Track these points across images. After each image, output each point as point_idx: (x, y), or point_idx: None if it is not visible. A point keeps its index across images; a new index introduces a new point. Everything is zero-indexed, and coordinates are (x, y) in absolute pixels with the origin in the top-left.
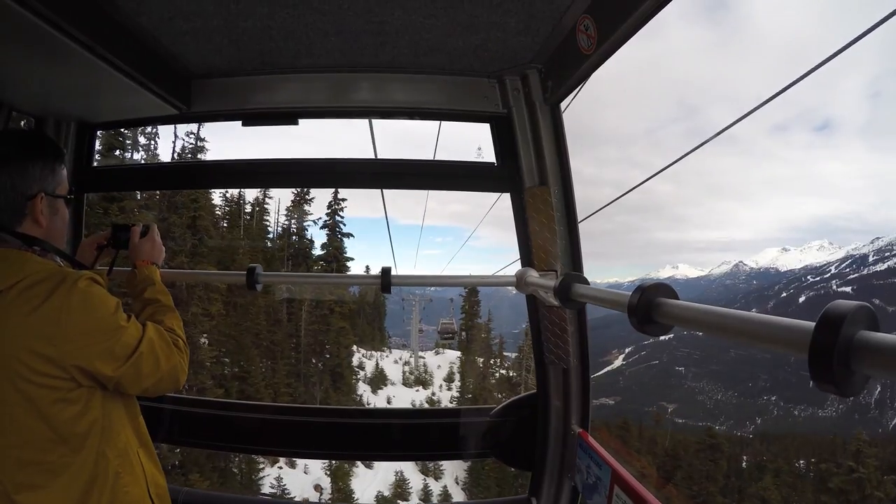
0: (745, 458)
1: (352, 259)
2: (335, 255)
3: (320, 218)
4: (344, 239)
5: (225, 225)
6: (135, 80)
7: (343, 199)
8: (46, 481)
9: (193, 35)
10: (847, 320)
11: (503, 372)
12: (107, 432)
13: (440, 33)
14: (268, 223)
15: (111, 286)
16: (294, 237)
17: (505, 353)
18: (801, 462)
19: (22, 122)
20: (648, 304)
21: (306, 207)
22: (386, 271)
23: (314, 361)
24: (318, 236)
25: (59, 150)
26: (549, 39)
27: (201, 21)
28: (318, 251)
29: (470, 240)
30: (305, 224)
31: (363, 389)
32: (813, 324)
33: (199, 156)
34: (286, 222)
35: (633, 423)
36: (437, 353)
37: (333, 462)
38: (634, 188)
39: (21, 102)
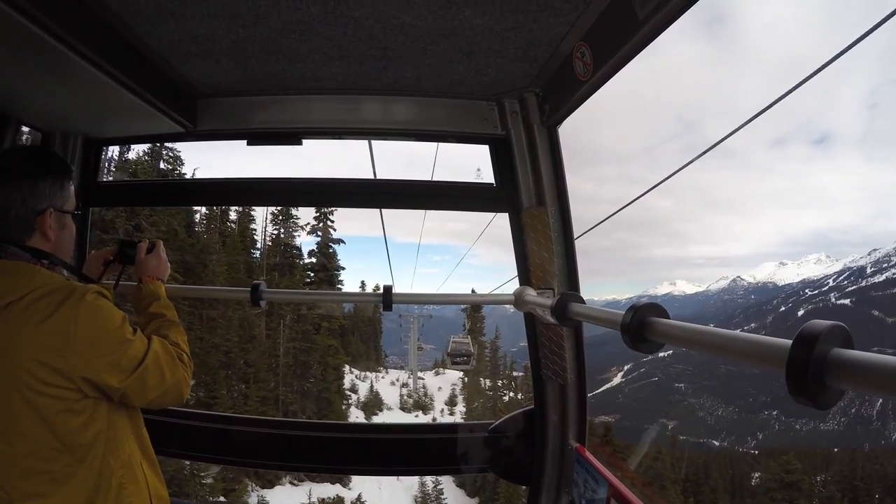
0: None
1: (343, 268)
2: (324, 264)
3: (308, 223)
4: (334, 246)
5: (203, 230)
6: (142, 98)
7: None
8: (51, 490)
9: (202, 57)
10: (821, 338)
11: (511, 395)
12: (111, 443)
13: (441, 59)
14: (254, 230)
15: (117, 300)
16: (281, 245)
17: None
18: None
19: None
20: (641, 322)
21: (293, 211)
22: (387, 289)
23: (295, 385)
24: (307, 245)
25: (68, 167)
26: (547, 65)
27: (210, 44)
28: (305, 261)
29: (469, 258)
30: (294, 232)
31: (355, 415)
32: (790, 341)
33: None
34: (274, 231)
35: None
36: (437, 373)
37: None
38: (629, 204)
39: (29, 116)
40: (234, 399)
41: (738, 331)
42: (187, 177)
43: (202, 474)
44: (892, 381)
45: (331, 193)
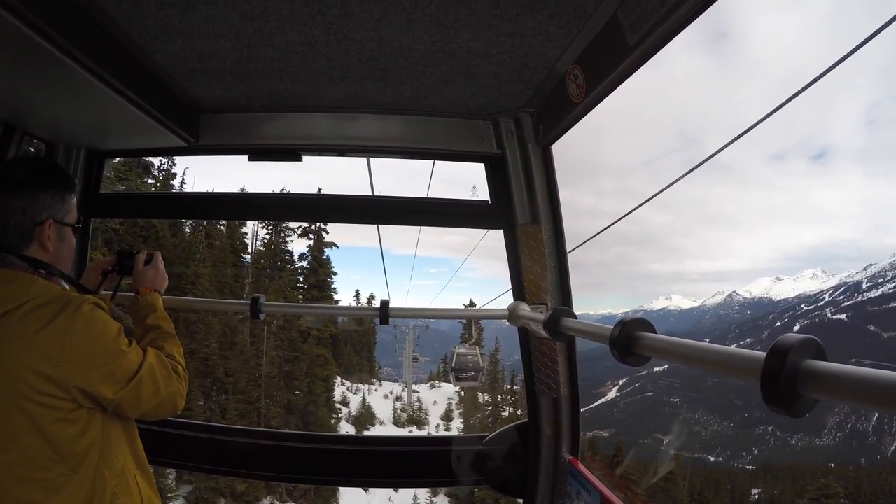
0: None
1: (335, 273)
2: (315, 269)
3: (300, 226)
4: (327, 251)
5: (188, 231)
6: (146, 112)
7: None
8: (45, 498)
9: (206, 74)
10: (793, 350)
11: (511, 410)
12: (105, 453)
13: (439, 80)
14: (245, 234)
15: (114, 311)
16: (272, 246)
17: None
18: None
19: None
20: (628, 337)
21: None
22: (384, 304)
23: (278, 397)
24: (299, 249)
25: (70, 181)
26: (542, 86)
27: (215, 62)
28: (296, 265)
29: (467, 271)
30: (287, 237)
31: (345, 430)
32: (765, 353)
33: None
34: (267, 235)
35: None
36: (432, 386)
37: None
38: (624, 216)
39: (34, 127)
40: (212, 411)
41: (734, 346)
42: (176, 173)
43: (170, 495)
44: (861, 391)
45: (329, 209)
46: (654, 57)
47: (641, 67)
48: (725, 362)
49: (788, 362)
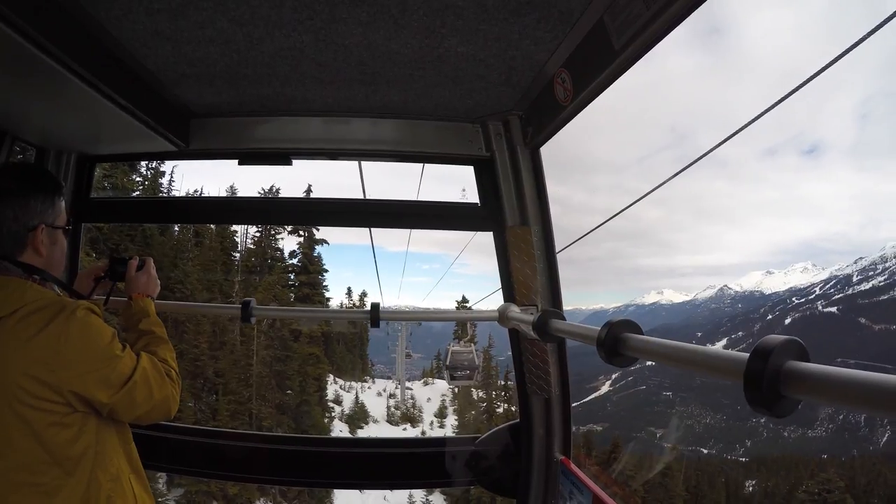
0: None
1: (326, 270)
2: (306, 265)
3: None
4: (317, 247)
5: (177, 229)
6: (136, 117)
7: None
8: (40, 502)
9: (196, 78)
10: (775, 352)
11: (506, 406)
12: (100, 457)
13: (428, 84)
14: (235, 232)
15: (107, 316)
16: (262, 245)
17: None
18: None
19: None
20: (615, 338)
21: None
22: (375, 306)
23: (269, 397)
24: (290, 245)
25: (59, 184)
26: (530, 89)
27: (204, 67)
28: (287, 263)
29: (459, 267)
30: (278, 234)
31: (339, 429)
32: (748, 355)
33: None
34: (257, 233)
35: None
36: (425, 383)
37: None
38: (616, 215)
39: (24, 133)
40: (202, 412)
41: (724, 343)
42: (165, 171)
43: (160, 500)
44: (843, 392)
45: (320, 213)
46: (645, 55)
47: (630, 68)
48: (709, 363)
49: (771, 363)
